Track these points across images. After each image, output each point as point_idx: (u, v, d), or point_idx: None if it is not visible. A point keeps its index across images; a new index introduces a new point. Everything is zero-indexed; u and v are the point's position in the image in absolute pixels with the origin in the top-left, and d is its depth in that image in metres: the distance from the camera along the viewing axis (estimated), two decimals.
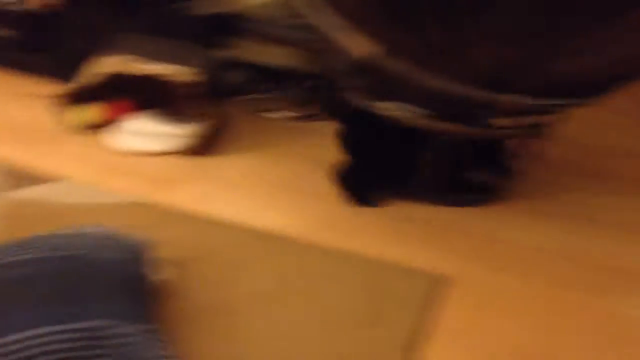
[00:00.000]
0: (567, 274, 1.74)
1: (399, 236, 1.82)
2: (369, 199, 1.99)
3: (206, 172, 2.05)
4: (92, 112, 2.20)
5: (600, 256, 1.84)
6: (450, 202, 2.01)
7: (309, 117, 2.57)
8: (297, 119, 2.56)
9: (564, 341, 1.49)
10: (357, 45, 1.78)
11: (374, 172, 2.08)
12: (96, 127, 2.23)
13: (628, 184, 2.33)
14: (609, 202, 2.17)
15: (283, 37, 2.45)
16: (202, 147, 2.21)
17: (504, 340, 1.47)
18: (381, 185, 2.07)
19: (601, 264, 1.81)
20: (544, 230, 1.95)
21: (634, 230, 2.01)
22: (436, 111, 1.90)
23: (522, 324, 1.53)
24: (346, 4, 1.92)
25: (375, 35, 1.79)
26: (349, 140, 2.06)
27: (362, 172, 2.07)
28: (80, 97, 2.22)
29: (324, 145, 2.34)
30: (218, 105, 2.26)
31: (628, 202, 2.19)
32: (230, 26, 2.52)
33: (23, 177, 1.88)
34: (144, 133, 2.17)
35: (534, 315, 1.56)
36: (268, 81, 2.91)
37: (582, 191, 2.23)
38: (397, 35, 2.00)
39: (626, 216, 2.10)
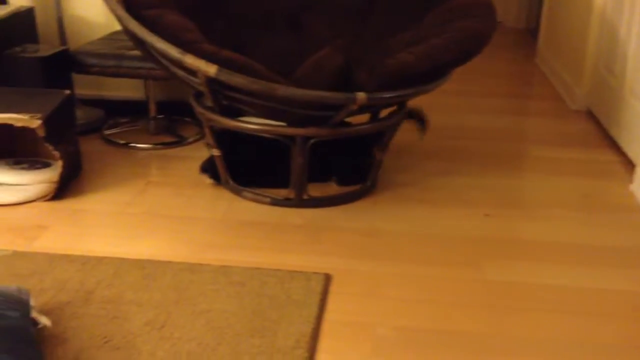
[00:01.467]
0: (437, 252, 1.87)
1: (279, 244, 1.88)
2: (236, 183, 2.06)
3: (73, 213, 2.01)
4: None
5: (466, 231, 2.00)
6: (321, 200, 2.10)
7: (170, 144, 2.59)
8: (158, 147, 2.56)
9: (447, 314, 1.60)
10: (201, 64, 1.82)
11: (243, 167, 2.20)
12: None
13: (479, 163, 2.54)
14: (468, 182, 2.36)
15: (127, 70, 2.44)
16: (63, 189, 2.16)
17: (388, 322, 1.56)
18: (256, 178, 2.20)
19: (468, 239, 1.96)
20: (411, 216, 2.08)
21: (493, 205, 2.20)
22: (288, 119, 1.99)
23: (404, 305, 1.63)
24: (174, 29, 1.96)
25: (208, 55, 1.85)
26: (221, 142, 2.14)
27: (232, 166, 2.18)
28: None
29: (185, 170, 2.37)
30: (72, 146, 2.22)
31: (484, 181, 2.39)
32: (71, 64, 2.48)
33: None
34: (2, 185, 2.09)
35: (414, 295, 1.67)
36: (124, 114, 2.89)
37: (441, 173, 2.41)
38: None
39: (481, 193, 2.29)
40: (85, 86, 2.91)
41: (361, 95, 1.84)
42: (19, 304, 1.38)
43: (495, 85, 3.58)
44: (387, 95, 1.90)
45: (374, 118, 2.32)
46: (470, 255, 1.84)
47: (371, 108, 2.15)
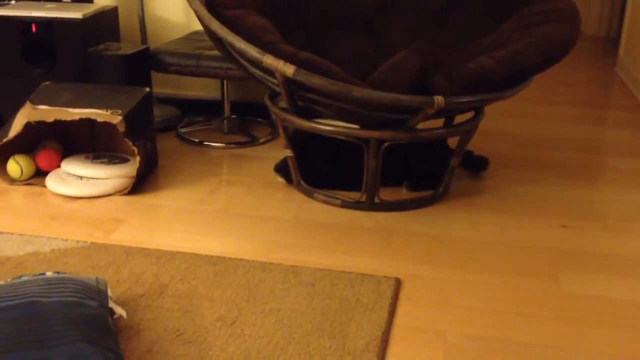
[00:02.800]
0: (511, 262, 1.83)
1: (349, 246, 1.87)
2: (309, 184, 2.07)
3: (148, 208, 2.06)
4: (25, 163, 2.18)
5: (542, 242, 1.94)
6: (393, 204, 2.09)
7: (243, 144, 2.62)
8: (231, 146, 2.60)
9: (521, 325, 1.56)
10: (279, 65, 1.83)
11: (317, 168, 2.21)
12: (32, 177, 2.21)
13: (556, 173, 2.47)
14: (544, 192, 2.30)
15: (205, 69, 2.48)
16: (139, 184, 2.21)
17: (460, 330, 1.53)
18: (328, 179, 2.20)
19: (544, 249, 1.91)
20: (484, 224, 2.04)
21: (570, 216, 2.14)
22: (363, 122, 1.98)
23: (476, 314, 1.59)
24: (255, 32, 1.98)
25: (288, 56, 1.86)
26: (294, 143, 2.15)
27: (306, 168, 2.20)
28: (12, 150, 2.19)
29: (257, 169, 2.39)
30: (149, 142, 2.27)
31: (561, 191, 2.32)
32: (152, 63, 2.54)
33: None
34: (82, 178, 2.16)
35: (487, 304, 1.63)
36: (199, 113, 2.95)
37: (516, 182, 2.35)
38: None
39: (558, 204, 2.23)
40: (163, 85, 2.97)
41: (439, 99, 1.81)
42: (97, 293, 1.42)
43: (574, 94, 3.48)
44: (465, 99, 1.87)
45: (449, 123, 2.29)
46: (546, 266, 1.79)
47: (447, 113, 2.12)
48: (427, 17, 2.40)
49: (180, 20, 2.86)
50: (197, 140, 2.65)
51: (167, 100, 2.95)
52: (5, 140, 2.15)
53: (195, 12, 1.97)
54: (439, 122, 2.29)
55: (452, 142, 2.31)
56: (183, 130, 2.76)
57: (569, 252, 1.87)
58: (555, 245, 1.90)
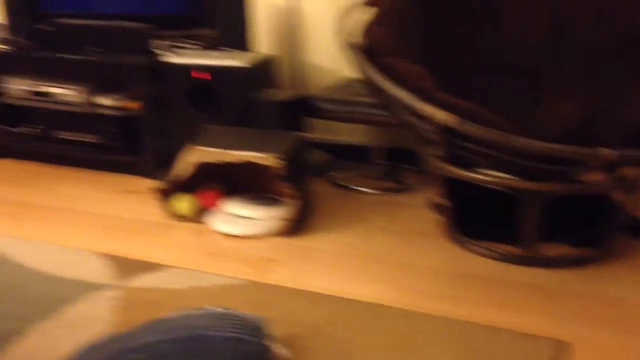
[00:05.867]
0: None
1: (506, 301, 1.81)
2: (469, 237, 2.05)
3: (302, 250, 2.10)
4: (188, 201, 2.31)
5: None
6: (553, 260, 2.00)
7: (394, 191, 2.62)
8: (383, 192, 2.61)
9: None
10: (438, 113, 1.83)
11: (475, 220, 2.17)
12: (195, 215, 2.33)
13: None
14: None
15: (359, 116, 2.53)
16: (295, 227, 2.27)
17: None
18: (486, 232, 2.15)
19: None
20: None
21: None
22: (521, 173, 1.92)
23: None
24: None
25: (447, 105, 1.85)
26: (448, 192, 2.14)
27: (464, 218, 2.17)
28: (177, 188, 2.33)
29: (409, 217, 2.38)
30: (304, 186, 2.33)
31: None
32: (308, 109, 2.62)
33: (135, 267, 1.96)
34: (241, 218, 2.25)
35: None
36: (350, 159, 3.00)
37: None
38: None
39: None
40: (315, 129, 3.05)
41: (607, 152, 1.73)
42: (256, 330, 1.45)
43: None
44: (635, 153, 1.77)
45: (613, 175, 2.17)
46: None
47: (614, 165, 2.01)
48: (592, 63, 2.31)
49: (335, 67, 2.95)
50: (348, 185, 2.68)
51: (319, 145, 3.02)
52: (178, 179, 2.29)
53: (353, 59, 2.01)
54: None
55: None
56: (335, 174, 2.81)
57: None
58: None
